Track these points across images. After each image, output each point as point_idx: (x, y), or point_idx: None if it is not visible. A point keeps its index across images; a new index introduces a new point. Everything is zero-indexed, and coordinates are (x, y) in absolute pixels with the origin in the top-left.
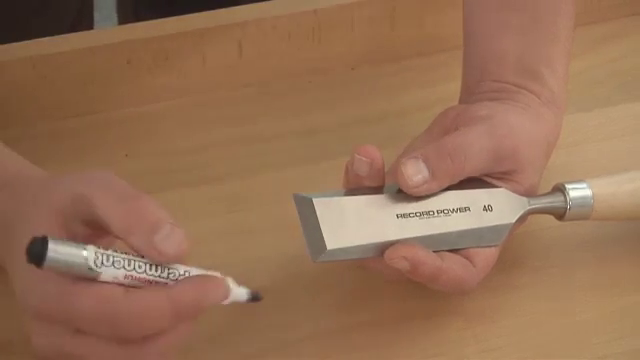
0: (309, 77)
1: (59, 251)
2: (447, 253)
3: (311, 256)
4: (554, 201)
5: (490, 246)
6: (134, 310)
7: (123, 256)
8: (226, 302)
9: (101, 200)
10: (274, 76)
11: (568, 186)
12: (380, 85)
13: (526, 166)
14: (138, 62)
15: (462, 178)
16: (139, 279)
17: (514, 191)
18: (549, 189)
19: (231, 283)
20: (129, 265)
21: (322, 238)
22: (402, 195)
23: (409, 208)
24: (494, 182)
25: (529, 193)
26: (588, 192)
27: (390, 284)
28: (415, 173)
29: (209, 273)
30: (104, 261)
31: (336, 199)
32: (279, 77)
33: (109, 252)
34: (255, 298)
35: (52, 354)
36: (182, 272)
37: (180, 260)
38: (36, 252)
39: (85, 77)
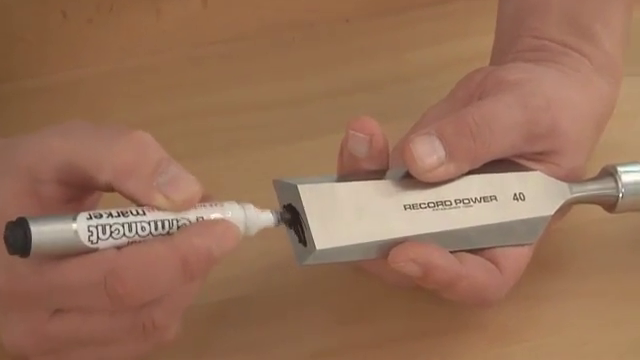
0: (292, 32)
1: (44, 232)
2: (467, 254)
3: (296, 258)
4: (603, 188)
5: (522, 245)
6: (133, 266)
7: (121, 220)
8: (252, 233)
9: (84, 145)
10: (247, 31)
11: (620, 169)
12: (381, 42)
13: (568, 145)
14: (76, 15)
15: (487, 160)
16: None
17: (553, 175)
18: (596, 173)
19: (253, 211)
20: (130, 230)
21: (310, 235)
22: (411, 181)
23: (420, 197)
24: (527, 164)
25: (572, 178)
26: None
27: (396, 293)
28: (428, 153)
29: (225, 205)
30: (100, 235)
31: (327, 186)
32: (254, 33)
33: (104, 220)
34: (284, 219)
35: (29, 346)
36: (194, 220)
37: (191, 207)
38: (18, 240)
39: (10, 35)
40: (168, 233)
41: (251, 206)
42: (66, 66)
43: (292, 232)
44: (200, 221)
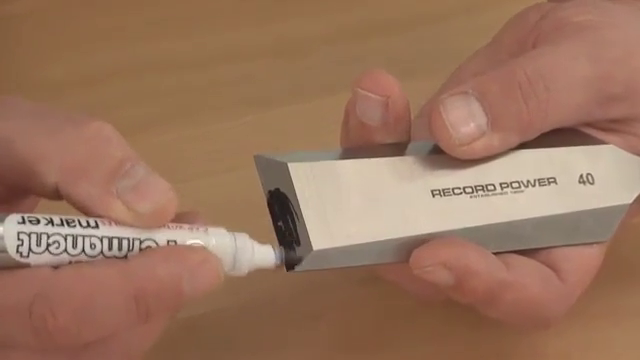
0: None
1: None
2: (516, 256)
3: (286, 262)
4: None
5: (590, 244)
6: (70, 293)
7: (65, 231)
8: (243, 272)
9: (23, 130)
10: None
11: None
12: None
13: None
14: None
15: (543, 129)
16: None
17: (632, 150)
18: None
19: (247, 242)
20: (74, 246)
21: (305, 232)
22: (441, 158)
23: (453, 180)
24: (598, 135)
25: None
26: None
27: (420, 310)
28: (464, 120)
29: (210, 230)
30: (33, 246)
31: (328, 164)
32: None
33: (41, 227)
34: (289, 261)
35: None
36: (164, 244)
37: (161, 223)
38: None
39: None
40: (126, 257)
41: (246, 236)
42: None
43: (280, 227)
44: (170, 245)
